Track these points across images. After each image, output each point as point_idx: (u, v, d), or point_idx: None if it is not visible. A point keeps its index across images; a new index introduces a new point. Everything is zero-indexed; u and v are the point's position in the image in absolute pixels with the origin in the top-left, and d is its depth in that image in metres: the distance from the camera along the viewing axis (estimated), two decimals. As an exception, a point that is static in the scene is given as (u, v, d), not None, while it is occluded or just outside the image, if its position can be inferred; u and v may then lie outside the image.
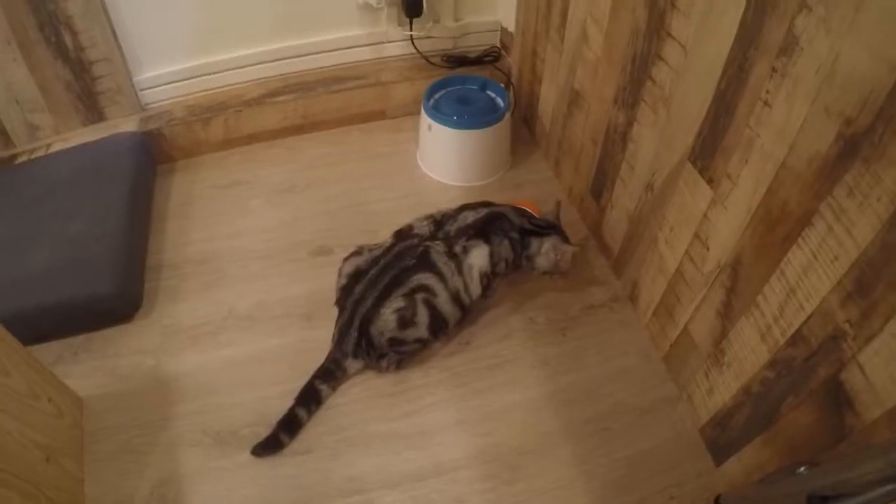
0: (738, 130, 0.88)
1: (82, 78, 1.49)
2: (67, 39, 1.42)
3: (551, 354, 1.23)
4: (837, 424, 0.77)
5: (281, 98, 1.60)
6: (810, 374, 0.81)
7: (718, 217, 0.95)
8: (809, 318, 0.80)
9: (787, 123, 0.78)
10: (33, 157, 1.52)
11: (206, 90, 1.61)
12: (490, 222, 1.18)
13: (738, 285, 0.93)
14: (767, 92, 0.81)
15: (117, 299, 1.26)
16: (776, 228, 0.83)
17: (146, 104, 1.59)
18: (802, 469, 0.65)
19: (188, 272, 1.37)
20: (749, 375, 0.94)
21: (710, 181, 0.96)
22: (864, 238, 0.69)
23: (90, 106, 1.55)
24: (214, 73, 1.60)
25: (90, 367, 1.22)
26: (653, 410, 1.15)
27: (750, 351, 0.93)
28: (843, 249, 0.72)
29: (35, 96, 1.48)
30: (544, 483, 1.06)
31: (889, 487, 0.43)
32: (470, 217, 1.18)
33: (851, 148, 0.69)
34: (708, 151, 0.95)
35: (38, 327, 1.23)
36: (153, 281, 1.36)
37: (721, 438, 1.05)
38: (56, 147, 1.54)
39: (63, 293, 1.23)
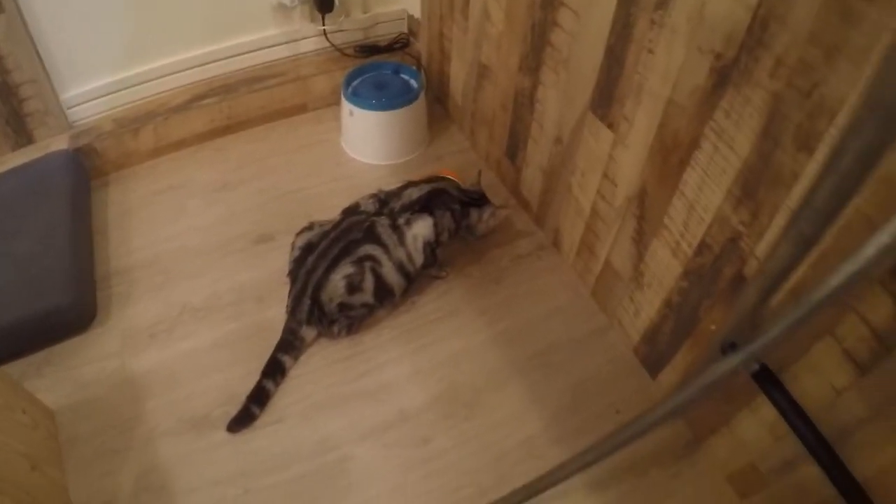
0: (629, 78, 0.97)
1: (9, 102, 1.45)
2: (-8, 64, 1.38)
3: (489, 303, 1.30)
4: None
5: (206, 101, 1.60)
6: (718, 276, 0.91)
7: (621, 156, 1.04)
8: (710, 227, 0.89)
9: (668, 65, 0.88)
10: (-35, 185, 1.46)
11: (133, 101, 1.59)
12: (434, 197, 1.24)
13: (647, 212, 1.03)
14: (650, 41, 0.90)
15: (73, 310, 1.25)
16: (671, 156, 0.92)
17: (74, 121, 1.56)
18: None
19: (137, 277, 1.36)
20: (668, 289, 1.04)
21: (610, 126, 1.05)
22: (743, 150, 0.79)
23: (19, 129, 1.50)
24: (139, 83, 1.58)
25: (55, 379, 1.20)
26: (588, 340, 1.24)
27: (665, 268, 1.03)
28: (728, 163, 0.82)
29: (-38, 124, 1.42)
30: (499, 415, 1.13)
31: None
32: (415, 194, 1.24)
33: (723, 77, 0.79)
34: (606, 100, 1.04)
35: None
36: (104, 290, 1.34)
37: (653, 354, 1.15)
38: (-11, 173, 1.48)
39: (19, 311, 1.21)
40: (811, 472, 0.86)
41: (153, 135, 1.58)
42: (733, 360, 0.62)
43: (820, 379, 0.80)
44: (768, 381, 0.82)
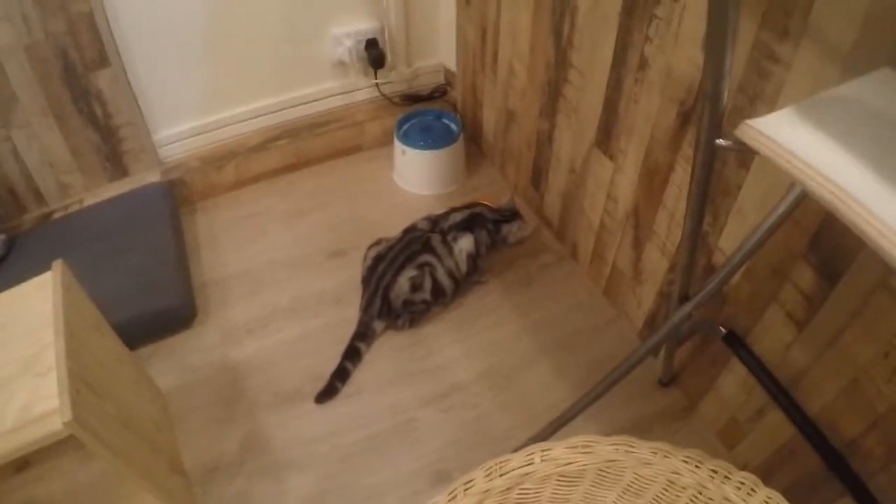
0: (622, 121, 1.36)
1: (110, 141, 1.79)
2: (97, 109, 1.72)
3: (521, 301, 1.69)
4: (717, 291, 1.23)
5: (278, 143, 2.01)
6: (695, 266, 1.28)
7: (620, 180, 1.44)
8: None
9: (648, 111, 1.27)
10: (69, 211, 1.80)
11: (215, 142, 1.99)
12: (473, 219, 1.64)
13: (640, 222, 1.41)
14: (635, 93, 1.29)
15: (180, 310, 1.60)
16: (655, 178, 1.31)
17: (164, 158, 1.93)
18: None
19: (230, 285, 1.73)
20: (660, 282, 1.41)
21: (610, 157, 1.45)
22: (701, 171, 1.18)
23: (116, 164, 1.85)
24: (221, 127, 1.97)
25: (163, 368, 1.52)
26: (602, 328, 1.62)
27: (657, 265, 1.40)
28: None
29: (68, 159, 1.75)
30: (532, 386, 1.50)
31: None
32: (458, 217, 1.64)
33: (686, 118, 1.17)
34: (606, 138, 1.44)
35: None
36: (202, 296, 1.70)
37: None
38: (89, 202, 1.82)
39: (135, 310, 1.52)
40: (776, 415, 1.15)
41: (234, 170, 1.98)
42: (687, 307, 1.00)
43: (773, 337, 1.12)
44: (736, 343, 1.19)
